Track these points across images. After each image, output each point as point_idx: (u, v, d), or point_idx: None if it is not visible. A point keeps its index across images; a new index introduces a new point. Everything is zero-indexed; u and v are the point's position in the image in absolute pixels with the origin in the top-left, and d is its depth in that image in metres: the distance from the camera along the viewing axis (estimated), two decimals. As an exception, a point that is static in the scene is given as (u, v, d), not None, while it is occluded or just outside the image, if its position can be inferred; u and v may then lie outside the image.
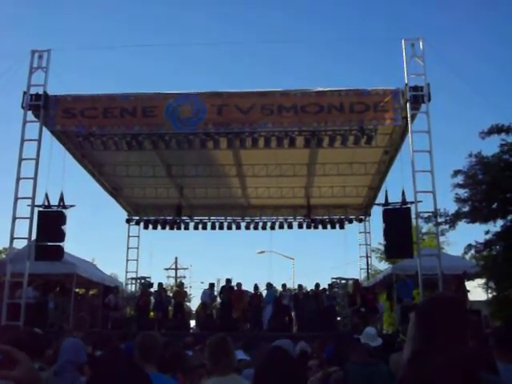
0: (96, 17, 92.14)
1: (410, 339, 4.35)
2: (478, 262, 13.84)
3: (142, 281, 21.17)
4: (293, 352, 5.96)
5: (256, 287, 19.21)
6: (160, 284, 20.69)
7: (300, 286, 20.53)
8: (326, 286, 19.48)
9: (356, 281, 20.15)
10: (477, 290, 17.77)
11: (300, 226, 23.58)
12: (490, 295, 13.13)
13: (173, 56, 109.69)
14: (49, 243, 15.76)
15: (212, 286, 20.04)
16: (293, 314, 18.95)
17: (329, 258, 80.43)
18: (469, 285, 17.21)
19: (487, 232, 12.45)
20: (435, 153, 14.75)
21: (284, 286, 20.03)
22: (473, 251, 13.18)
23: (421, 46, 15.29)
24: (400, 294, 17.16)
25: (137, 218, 24.12)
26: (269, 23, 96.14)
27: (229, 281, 19.57)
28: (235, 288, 18.98)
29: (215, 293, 19.95)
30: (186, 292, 23.63)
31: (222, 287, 19.28)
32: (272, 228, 23.73)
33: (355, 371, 3.57)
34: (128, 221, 24.10)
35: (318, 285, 19.42)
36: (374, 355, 5.47)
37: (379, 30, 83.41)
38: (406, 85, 15.00)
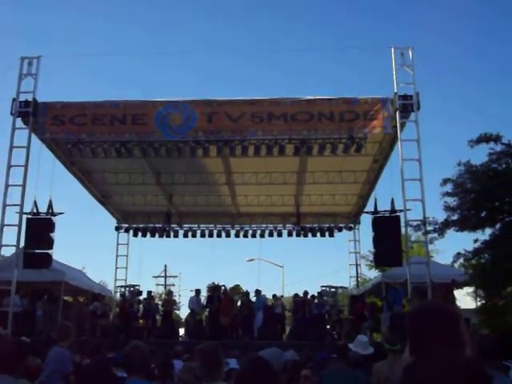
0: (88, 22, 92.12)
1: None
2: (467, 270, 13.89)
3: (131, 289, 21.05)
4: (279, 361, 5.92)
5: (247, 294, 19.10)
6: (149, 292, 20.53)
7: (296, 295, 20.36)
8: (316, 294, 19.45)
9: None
10: (465, 299, 17.83)
11: (289, 234, 23.47)
12: (479, 303, 13.17)
13: (166, 61, 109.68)
14: (37, 251, 15.65)
15: (198, 291, 19.77)
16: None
17: (318, 265, 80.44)
18: (457, 293, 17.25)
19: (476, 240, 12.54)
20: (424, 161, 14.81)
21: (275, 296, 19.95)
22: (462, 259, 13.24)
23: (410, 55, 15.38)
24: (390, 301, 17.13)
25: (126, 225, 24.04)
26: (261, 28, 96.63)
27: (217, 288, 19.44)
28: (225, 293, 18.83)
29: (202, 299, 19.75)
30: (174, 300, 23.49)
31: (209, 296, 19.05)
32: (261, 236, 23.72)
33: (329, 377, 3.59)
34: (117, 228, 24.00)
35: (306, 292, 19.41)
36: (359, 363, 5.44)
37: (371, 37, 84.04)
38: (396, 93, 15.05)
